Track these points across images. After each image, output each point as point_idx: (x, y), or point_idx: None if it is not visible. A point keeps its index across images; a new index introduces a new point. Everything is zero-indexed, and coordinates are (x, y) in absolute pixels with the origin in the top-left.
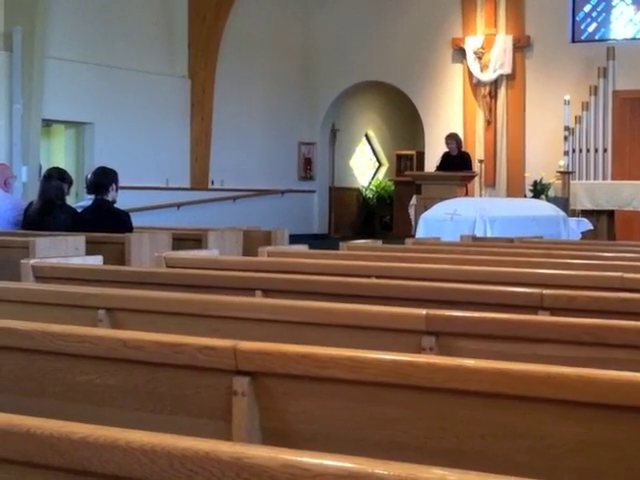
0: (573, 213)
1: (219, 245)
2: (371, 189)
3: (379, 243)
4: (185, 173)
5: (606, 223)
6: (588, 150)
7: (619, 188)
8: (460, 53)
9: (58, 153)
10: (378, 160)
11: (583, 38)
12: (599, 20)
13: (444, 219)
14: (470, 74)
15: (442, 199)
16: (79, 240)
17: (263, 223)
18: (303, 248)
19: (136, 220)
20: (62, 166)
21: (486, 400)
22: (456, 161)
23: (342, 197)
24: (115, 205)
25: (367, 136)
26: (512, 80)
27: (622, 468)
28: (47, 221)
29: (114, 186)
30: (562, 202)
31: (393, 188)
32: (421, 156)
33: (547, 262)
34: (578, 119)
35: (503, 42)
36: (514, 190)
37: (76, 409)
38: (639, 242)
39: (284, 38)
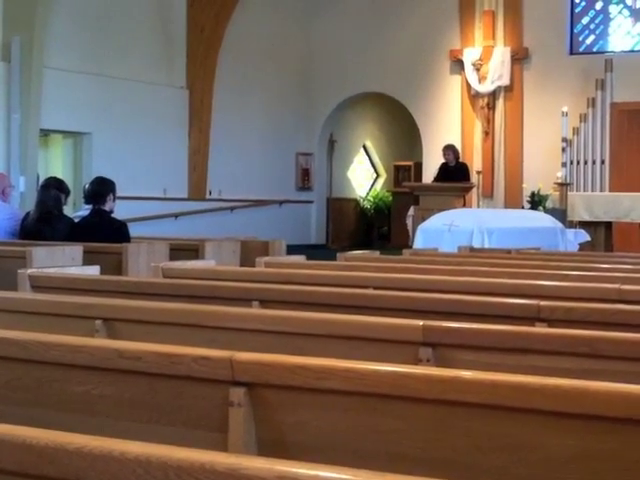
0: (571, 224)
1: (216, 255)
2: (369, 200)
3: (377, 254)
4: (183, 183)
5: (604, 234)
6: (586, 162)
7: (617, 200)
8: (458, 65)
9: (56, 163)
10: (376, 171)
11: (581, 50)
12: (597, 32)
13: (442, 230)
14: (468, 85)
15: (440, 210)
16: (76, 250)
17: (260, 233)
18: (300, 259)
19: (133, 230)
20: (60, 176)
21: (483, 411)
22: (454, 172)
23: (340, 208)
24: (113, 215)
25: (365, 147)
26: (510, 92)
27: None
28: (44, 231)
29: (112, 196)
30: (560, 213)
31: (391, 199)
32: (419, 167)
33: (544, 273)
34: (576, 131)
35: (501, 54)
36: (512, 201)
37: (72, 419)
38: (637, 253)
39: (282, 49)
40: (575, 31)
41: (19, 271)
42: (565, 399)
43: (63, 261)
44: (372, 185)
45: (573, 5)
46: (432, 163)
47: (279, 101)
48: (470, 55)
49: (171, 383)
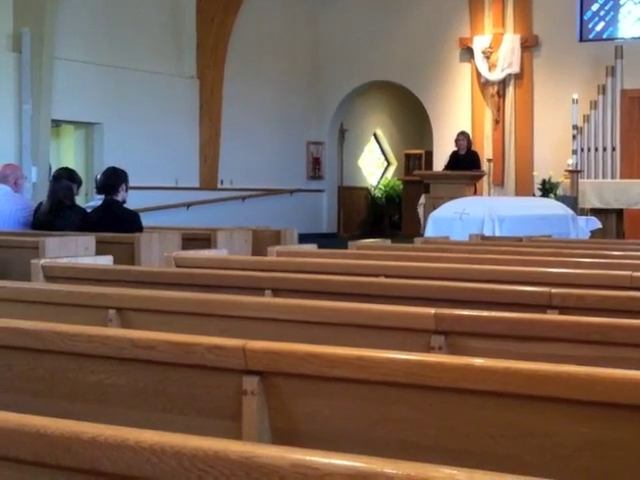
0: (582, 212)
1: (228, 245)
2: (380, 188)
3: (388, 242)
4: (194, 173)
5: (615, 222)
6: (596, 149)
7: (628, 187)
8: (468, 53)
9: (67, 153)
10: (387, 159)
11: (591, 37)
12: (607, 19)
13: (453, 218)
14: (478, 73)
15: (451, 198)
16: (89, 240)
17: (272, 222)
18: (312, 247)
19: (146, 220)
20: (71, 166)
21: (495, 399)
22: (464, 160)
23: (351, 196)
24: (125, 205)
25: (375, 135)
26: (520, 79)
27: (631, 467)
28: (57, 221)
29: (124, 186)
30: (571, 201)
31: (402, 187)
32: (429, 155)
33: (556, 261)
34: (586, 118)
35: (511, 41)
36: (522, 189)
37: (86, 409)
38: None
39: (292, 38)
40: (585, 18)
41: (32, 261)
42: (577, 386)
43: (76, 251)
44: (383, 174)
45: None
46: (443, 151)
47: (289, 90)
48: (480, 43)
49: (184, 372)
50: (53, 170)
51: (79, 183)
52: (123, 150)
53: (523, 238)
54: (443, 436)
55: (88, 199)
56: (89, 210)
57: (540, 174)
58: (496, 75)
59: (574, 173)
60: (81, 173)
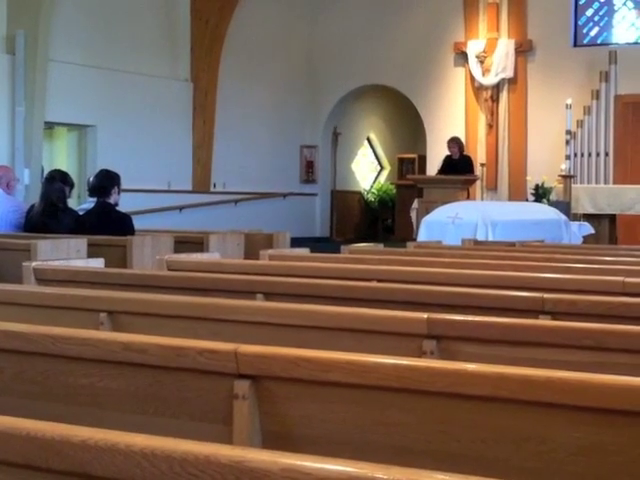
0: (575, 217)
1: (221, 248)
2: (373, 192)
3: (381, 246)
4: (187, 176)
5: (608, 227)
6: (590, 154)
7: (621, 192)
8: (462, 57)
9: (60, 156)
10: (380, 163)
11: (585, 42)
12: (601, 24)
13: (446, 223)
14: (472, 78)
15: (444, 203)
16: (81, 243)
17: (265, 226)
18: (305, 251)
19: (138, 223)
20: (64, 169)
21: (487, 404)
22: (458, 165)
23: (344, 200)
24: (117, 208)
25: (369, 139)
26: (514, 84)
27: (624, 473)
28: (49, 224)
29: (116, 189)
30: (564, 206)
31: (395, 191)
32: (423, 159)
33: (548, 266)
34: (580, 123)
35: (505, 46)
36: (516, 194)
37: (78, 412)
38: None
39: (287, 41)
40: (579, 23)
41: (24, 264)
42: (570, 392)
43: (68, 254)
44: (376, 178)
45: None
46: (436, 155)
47: (283, 94)
48: (474, 47)
49: (176, 376)
50: (46, 172)
51: (72, 185)
52: (116, 152)
53: (516, 243)
54: (436, 441)
55: (80, 201)
56: (81, 212)
57: (533, 179)
58: (490, 79)
59: (567, 178)
60: (74, 175)
